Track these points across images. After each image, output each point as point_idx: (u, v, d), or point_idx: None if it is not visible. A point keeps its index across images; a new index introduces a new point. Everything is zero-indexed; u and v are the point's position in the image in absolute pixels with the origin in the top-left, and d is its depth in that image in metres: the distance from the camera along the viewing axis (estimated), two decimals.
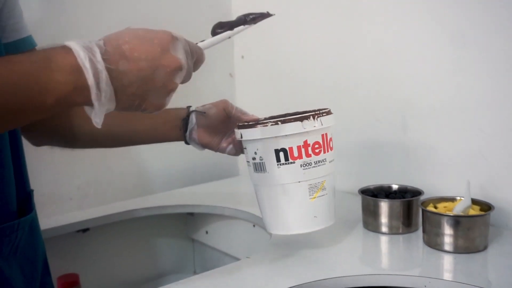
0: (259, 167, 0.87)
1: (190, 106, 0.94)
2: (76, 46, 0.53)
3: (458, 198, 0.94)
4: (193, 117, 0.92)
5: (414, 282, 0.79)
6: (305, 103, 1.30)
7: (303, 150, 0.85)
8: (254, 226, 1.16)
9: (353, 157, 1.24)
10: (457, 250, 0.87)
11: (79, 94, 0.53)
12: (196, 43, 0.70)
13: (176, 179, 1.45)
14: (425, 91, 1.10)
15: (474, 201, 0.91)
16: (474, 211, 0.90)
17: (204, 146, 0.93)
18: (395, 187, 1.05)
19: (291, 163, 0.85)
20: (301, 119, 0.83)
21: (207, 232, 1.32)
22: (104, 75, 0.53)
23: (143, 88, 0.57)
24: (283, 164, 0.85)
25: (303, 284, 0.78)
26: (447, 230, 0.87)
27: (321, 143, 0.87)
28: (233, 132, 0.89)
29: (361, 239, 0.99)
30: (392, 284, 0.81)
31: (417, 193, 0.99)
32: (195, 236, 1.37)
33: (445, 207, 0.93)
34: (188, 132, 0.92)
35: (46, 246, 0.85)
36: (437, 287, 0.78)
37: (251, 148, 0.87)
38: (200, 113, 0.91)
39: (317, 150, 0.86)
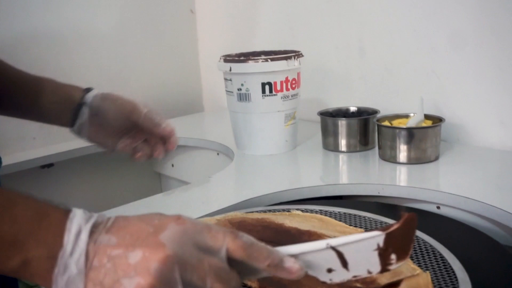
0: (244, 97, 1.01)
1: (89, 90, 0.73)
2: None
3: (412, 114, 0.98)
4: (84, 111, 0.73)
5: (369, 189, 0.84)
6: (267, 41, 1.32)
7: (284, 84, 1.00)
8: (218, 154, 1.19)
9: (313, 84, 1.26)
10: (410, 161, 0.91)
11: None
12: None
13: None
14: (380, 14, 1.12)
15: (427, 116, 0.95)
16: (427, 124, 0.94)
17: (96, 144, 0.77)
18: (353, 109, 1.08)
19: (274, 95, 1.00)
20: (286, 58, 0.98)
21: (172, 165, 1.34)
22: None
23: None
24: (267, 95, 0.99)
25: (265, 195, 0.81)
26: (401, 143, 0.91)
27: (297, 79, 1.03)
28: (136, 134, 0.76)
29: (321, 158, 1.02)
30: (349, 193, 0.85)
31: (373, 112, 1.03)
32: (161, 170, 1.39)
33: (399, 123, 0.97)
34: (76, 126, 0.74)
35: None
36: (390, 192, 0.82)
37: (238, 80, 1.01)
38: (94, 111, 0.72)
39: (293, 85, 1.02)
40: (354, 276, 0.42)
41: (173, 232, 0.39)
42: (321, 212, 0.74)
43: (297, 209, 0.74)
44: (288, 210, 0.74)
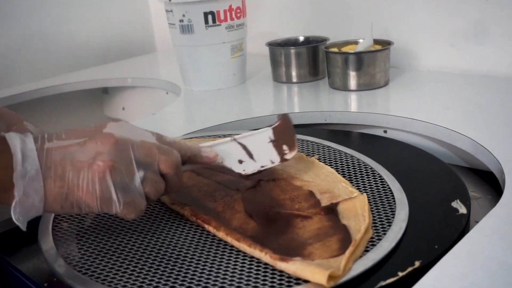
0: (187, 29, 0.95)
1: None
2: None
3: (361, 40, 0.94)
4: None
5: (316, 117, 0.82)
6: None
7: (228, 13, 0.94)
8: (167, 93, 1.14)
9: (260, 16, 1.21)
10: (360, 87, 0.89)
11: None
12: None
13: (87, 58, 1.39)
14: None
15: (376, 41, 0.92)
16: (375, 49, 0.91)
17: None
18: (301, 38, 1.04)
19: (217, 25, 0.94)
20: None
21: (123, 109, 1.29)
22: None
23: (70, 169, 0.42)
24: (210, 26, 0.94)
25: (212, 126, 0.79)
26: (350, 69, 0.88)
27: (242, 8, 0.98)
28: None
29: (272, 91, 0.99)
30: (296, 122, 0.82)
31: (322, 40, 0.99)
32: (112, 114, 1.34)
33: (349, 49, 0.94)
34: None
35: None
36: (338, 119, 0.80)
37: (179, 11, 0.95)
38: None
39: (238, 15, 0.97)
40: (262, 166, 0.54)
41: (114, 126, 0.44)
42: None
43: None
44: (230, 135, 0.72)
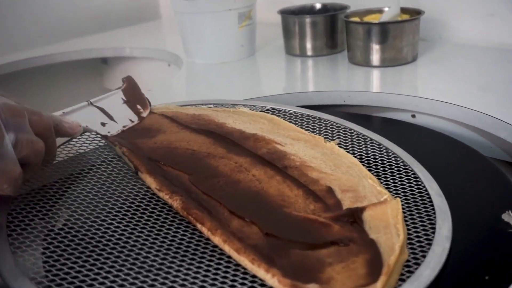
0: None
1: None
2: None
3: (386, 8, 0.83)
4: None
5: (333, 97, 0.72)
6: None
7: None
8: (169, 65, 1.05)
9: None
10: (384, 63, 0.79)
11: None
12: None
13: (85, 25, 1.28)
14: None
15: (403, 10, 0.81)
16: (403, 18, 0.80)
17: None
18: (318, 6, 0.93)
19: None
20: None
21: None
22: None
23: None
24: None
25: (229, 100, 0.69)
26: (373, 41, 0.78)
27: None
28: None
29: (284, 65, 0.89)
30: (309, 103, 0.73)
31: (342, 8, 0.88)
32: (114, 86, 1.24)
33: (372, 18, 0.83)
34: None
35: None
36: (358, 100, 0.70)
37: None
38: None
39: None
40: (124, 126, 0.55)
41: None
42: (273, 111, 0.62)
43: (245, 105, 0.62)
44: (233, 106, 0.62)
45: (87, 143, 0.53)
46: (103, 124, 0.54)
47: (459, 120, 0.63)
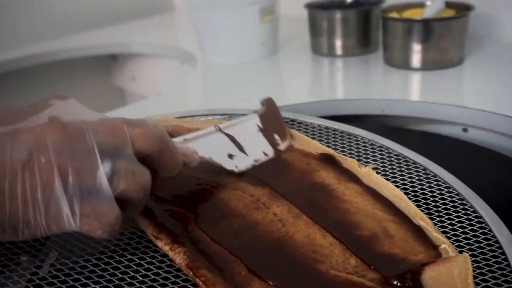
0: None
1: None
2: None
3: (429, 2, 0.73)
4: None
5: (369, 107, 0.62)
6: None
7: None
8: (182, 63, 0.96)
9: None
10: (426, 65, 0.69)
11: None
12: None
13: (93, 18, 1.20)
14: None
15: (449, 4, 0.71)
16: (449, 15, 0.70)
17: None
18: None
19: None
20: None
21: (134, 79, 1.11)
22: None
23: None
24: None
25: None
26: (414, 40, 0.68)
27: None
28: None
29: (310, 66, 0.80)
30: (342, 112, 0.63)
31: (377, 1, 0.78)
32: (121, 84, 1.16)
33: (412, 14, 0.73)
34: None
35: None
36: (398, 110, 0.60)
37: None
38: None
39: None
40: (255, 160, 0.43)
41: (59, 105, 0.30)
42: (293, 124, 0.52)
43: None
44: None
45: None
46: (230, 156, 0.43)
47: None
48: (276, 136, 0.46)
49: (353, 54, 0.78)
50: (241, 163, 0.43)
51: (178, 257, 0.33)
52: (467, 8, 0.69)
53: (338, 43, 0.78)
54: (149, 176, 0.32)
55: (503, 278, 0.32)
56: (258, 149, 0.45)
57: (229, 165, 0.42)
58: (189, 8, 0.80)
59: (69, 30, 1.15)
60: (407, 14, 0.73)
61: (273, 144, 0.46)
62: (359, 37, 0.77)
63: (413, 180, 0.42)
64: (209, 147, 0.41)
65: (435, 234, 0.35)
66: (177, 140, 0.38)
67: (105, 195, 0.29)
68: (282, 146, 0.46)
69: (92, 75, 1.16)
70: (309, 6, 0.80)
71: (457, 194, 0.41)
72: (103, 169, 0.29)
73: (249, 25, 0.78)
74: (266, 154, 0.45)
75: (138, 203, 0.32)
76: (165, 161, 0.32)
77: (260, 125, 0.47)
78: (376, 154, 0.46)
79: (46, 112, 0.29)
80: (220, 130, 0.44)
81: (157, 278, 0.33)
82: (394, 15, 0.72)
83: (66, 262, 0.34)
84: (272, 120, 0.48)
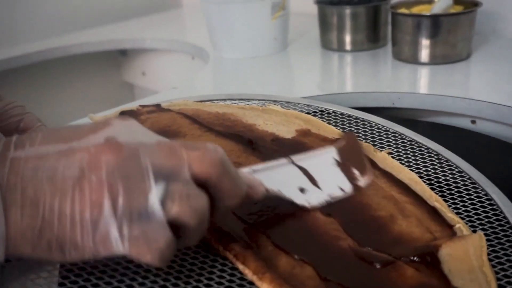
0: None
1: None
2: None
3: None
4: None
5: (380, 100, 0.64)
6: None
7: None
8: (193, 58, 0.97)
9: None
10: (435, 60, 0.70)
11: None
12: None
13: (102, 13, 1.21)
14: None
15: (457, 0, 0.73)
16: (457, 10, 0.72)
17: None
18: None
19: None
20: None
21: (143, 74, 1.13)
22: None
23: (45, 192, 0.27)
24: None
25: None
26: (423, 35, 0.69)
27: None
28: None
29: (319, 60, 0.81)
30: (354, 105, 0.65)
31: None
32: (131, 79, 1.18)
33: (421, 10, 0.74)
34: None
35: None
36: (409, 102, 0.62)
37: None
38: None
39: None
40: (330, 196, 0.39)
41: (119, 125, 0.30)
42: (308, 109, 0.54)
43: (275, 102, 0.54)
44: (263, 104, 0.55)
45: None
46: (301, 190, 0.39)
47: None
48: (354, 171, 0.42)
49: (362, 49, 0.80)
50: (313, 198, 0.39)
51: (208, 233, 0.34)
52: (475, 4, 0.70)
53: (348, 38, 0.80)
54: (206, 202, 0.29)
55: None
56: (334, 184, 0.41)
57: (300, 199, 0.38)
58: (202, 3, 0.82)
59: (78, 26, 1.17)
60: (416, 10, 0.74)
61: (351, 178, 0.42)
62: (368, 32, 0.79)
63: (427, 164, 0.44)
64: (279, 179, 0.38)
65: (449, 214, 0.37)
66: (244, 170, 0.36)
67: (156, 218, 0.27)
68: (362, 181, 0.42)
69: (102, 70, 1.18)
70: (319, 2, 0.82)
71: (469, 178, 0.42)
72: (156, 191, 0.27)
73: (261, 20, 0.80)
74: (342, 190, 0.41)
75: (194, 230, 0.29)
76: (224, 188, 0.30)
77: (338, 158, 0.43)
78: (390, 140, 0.48)
79: (103, 131, 0.29)
80: (292, 162, 0.41)
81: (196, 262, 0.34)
82: (403, 10, 0.73)
83: None
84: (351, 153, 0.44)
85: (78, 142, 0.28)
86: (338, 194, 0.40)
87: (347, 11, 0.78)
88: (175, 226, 0.28)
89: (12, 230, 0.26)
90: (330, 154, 0.43)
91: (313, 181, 0.40)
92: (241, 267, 0.32)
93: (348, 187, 0.41)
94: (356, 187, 0.40)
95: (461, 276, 0.31)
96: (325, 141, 0.47)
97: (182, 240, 0.29)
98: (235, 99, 0.56)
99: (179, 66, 1.02)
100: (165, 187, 0.28)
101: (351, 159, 0.43)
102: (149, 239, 0.27)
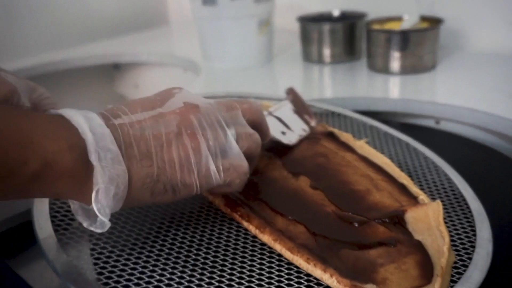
0: (209, 0, 0.85)
1: None
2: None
3: (406, 16, 0.84)
4: None
5: (357, 104, 0.72)
6: None
7: None
8: (185, 71, 1.05)
9: None
10: (405, 70, 0.79)
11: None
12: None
13: (94, 30, 1.28)
14: None
15: (423, 18, 0.82)
16: (423, 26, 0.81)
17: None
18: (336, 13, 0.94)
19: None
20: None
21: (136, 86, 1.20)
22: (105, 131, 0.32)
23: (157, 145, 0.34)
24: None
25: None
26: (394, 49, 0.78)
27: None
28: None
29: (302, 71, 0.89)
30: (334, 110, 0.73)
31: (361, 15, 0.89)
32: (125, 92, 1.25)
33: (391, 26, 0.83)
34: None
35: None
36: (382, 106, 0.71)
37: None
38: None
39: None
40: (300, 135, 0.53)
41: (182, 93, 0.38)
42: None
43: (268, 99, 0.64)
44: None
45: None
46: (283, 133, 0.52)
47: (486, 127, 0.63)
48: (306, 116, 0.57)
49: (340, 61, 0.89)
50: (291, 138, 0.52)
51: (217, 200, 0.42)
52: (438, 21, 0.80)
53: (327, 51, 0.89)
54: (259, 137, 0.40)
55: (465, 220, 0.42)
56: (299, 127, 0.54)
57: (284, 139, 0.51)
58: (196, 20, 0.90)
59: (73, 42, 1.23)
60: (388, 26, 0.83)
61: (306, 122, 0.56)
62: (346, 46, 0.88)
63: (397, 151, 0.52)
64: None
65: (414, 189, 0.45)
66: None
67: (235, 152, 0.37)
68: (313, 123, 0.56)
69: (95, 83, 1.24)
70: (301, 19, 0.90)
71: (432, 163, 0.51)
72: (230, 133, 0.37)
73: (249, 35, 0.88)
74: (304, 130, 0.54)
75: (256, 158, 0.40)
76: (264, 128, 0.42)
77: (294, 108, 0.57)
78: (367, 132, 0.57)
79: (174, 98, 0.37)
80: (270, 113, 0.54)
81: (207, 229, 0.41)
82: (377, 27, 0.82)
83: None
84: (299, 103, 0.58)
85: (162, 108, 0.35)
86: (304, 133, 0.54)
87: (327, 27, 0.87)
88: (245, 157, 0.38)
89: (135, 178, 0.33)
90: (288, 106, 0.57)
91: (287, 126, 0.53)
92: (245, 224, 0.39)
93: (307, 128, 0.55)
94: (311, 128, 0.55)
95: (422, 232, 0.39)
96: (313, 132, 0.55)
97: (250, 167, 0.39)
98: (234, 96, 0.64)
99: (171, 78, 1.10)
100: (234, 131, 0.37)
101: (301, 108, 0.57)
102: (236, 167, 0.37)
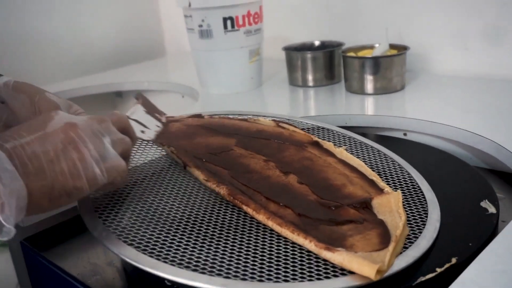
0: (206, 34, 0.97)
1: None
2: None
3: (377, 45, 0.96)
4: None
5: (336, 120, 0.83)
6: None
7: (246, 19, 0.97)
8: (183, 97, 1.16)
9: (276, 21, 1.23)
10: (377, 91, 0.91)
11: None
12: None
13: (94, 63, 1.40)
14: None
15: (392, 46, 0.94)
16: (392, 53, 0.93)
17: None
18: (317, 43, 1.06)
19: (236, 30, 0.96)
20: None
21: None
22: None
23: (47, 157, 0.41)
24: (229, 31, 0.96)
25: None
26: (367, 73, 0.90)
27: (259, 13, 1.00)
28: None
29: (288, 94, 1.01)
30: (319, 124, 0.84)
31: (338, 44, 1.01)
32: None
33: (365, 53, 0.96)
34: None
35: None
36: (358, 122, 0.82)
37: (198, 16, 0.97)
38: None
39: (256, 20, 0.99)
40: (156, 131, 0.67)
41: (60, 115, 0.44)
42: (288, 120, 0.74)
43: (264, 116, 0.76)
44: (257, 117, 0.76)
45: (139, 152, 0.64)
46: (142, 132, 0.65)
47: (445, 137, 0.74)
48: (157, 114, 0.71)
49: (322, 85, 1.01)
50: (150, 134, 0.65)
51: (222, 190, 0.52)
52: (405, 48, 0.92)
53: (310, 76, 1.00)
54: (129, 140, 0.50)
55: (420, 206, 0.53)
56: (153, 124, 0.68)
57: (144, 137, 0.64)
58: (193, 51, 1.02)
59: (72, 74, 1.34)
60: (361, 53, 0.96)
61: (158, 119, 0.70)
62: (326, 72, 1.00)
63: (370, 156, 0.64)
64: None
65: (381, 183, 0.56)
66: None
67: (113, 155, 0.45)
68: (163, 119, 0.71)
69: (99, 109, 1.35)
70: (286, 49, 1.02)
71: (398, 165, 0.62)
72: (106, 141, 0.45)
73: (240, 64, 0.99)
74: (158, 126, 0.68)
75: (129, 157, 0.51)
76: (131, 132, 0.52)
77: (145, 110, 0.70)
78: (345, 141, 0.68)
79: (55, 120, 0.43)
80: (129, 118, 0.65)
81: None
82: (352, 54, 0.94)
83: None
84: (148, 105, 0.71)
85: (46, 129, 0.42)
86: (158, 128, 0.68)
87: (309, 55, 0.99)
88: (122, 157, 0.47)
89: (33, 191, 0.39)
90: (140, 108, 0.69)
91: (144, 126, 0.66)
92: (245, 207, 0.50)
93: (159, 124, 0.69)
94: (163, 124, 0.69)
95: (384, 214, 0.50)
96: (300, 141, 0.66)
97: (127, 164, 0.48)
98: (235, 114, 0.75)
99: (170, 104, 1.20)
100: (108, 138, 0.46)
101: (150, 109, 0.70)
102: (115, 166, 0.45)
